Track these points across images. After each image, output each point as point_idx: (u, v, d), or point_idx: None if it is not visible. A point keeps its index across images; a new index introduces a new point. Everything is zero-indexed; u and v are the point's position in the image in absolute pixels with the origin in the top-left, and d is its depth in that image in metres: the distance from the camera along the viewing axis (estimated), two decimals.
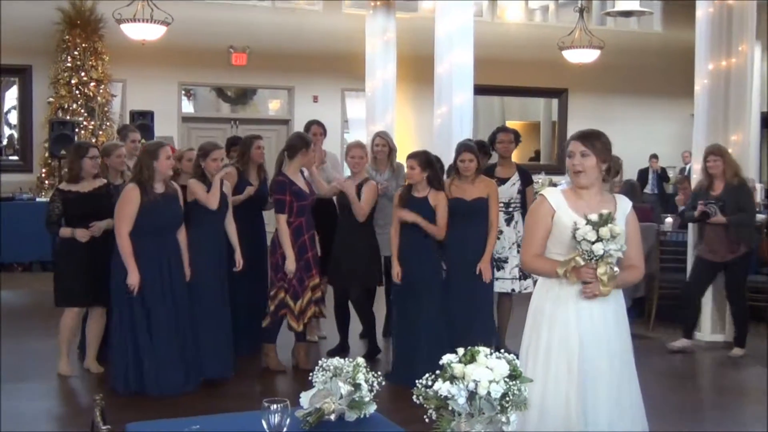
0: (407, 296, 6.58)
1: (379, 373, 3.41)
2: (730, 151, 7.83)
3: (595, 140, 3.80)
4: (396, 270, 6.59)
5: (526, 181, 7.45)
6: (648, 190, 15.98)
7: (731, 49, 8.17)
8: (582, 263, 3.65)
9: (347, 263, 7.14)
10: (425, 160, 6.56)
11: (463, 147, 6.66)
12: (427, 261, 6.57)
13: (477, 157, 6.56)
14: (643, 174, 16.22)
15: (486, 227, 6.56)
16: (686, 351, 7.82)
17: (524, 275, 7.16)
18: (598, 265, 3.64)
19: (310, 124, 8.06)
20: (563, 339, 3.74)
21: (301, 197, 6.75)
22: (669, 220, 9.77)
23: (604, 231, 3.59)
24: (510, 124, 15.57)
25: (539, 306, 3.88)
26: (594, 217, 3.62)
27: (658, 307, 8.70)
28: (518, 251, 7.15)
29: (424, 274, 6.53)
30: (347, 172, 7.70)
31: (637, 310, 8.73)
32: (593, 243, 3.60)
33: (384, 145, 7.81)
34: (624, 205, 3.87)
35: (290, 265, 6.64)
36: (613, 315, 3.80)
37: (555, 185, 15.35)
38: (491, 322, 6.75)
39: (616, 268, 3.67)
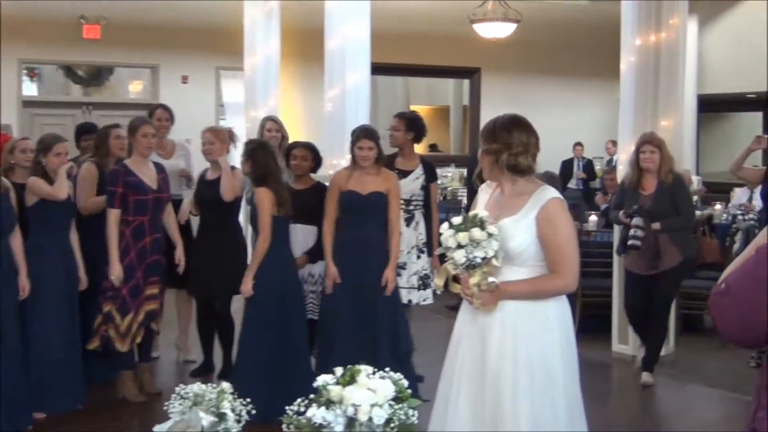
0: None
1: (249, 400, 3.37)
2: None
3: (483, 129, 4.01)
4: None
5: (431, 175, 7.47)
6: (572, 185, 16.20)
7: (661, 22, 8.34)
8: (452, 271, 3.72)
9: (210, 269, 7.11)
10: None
11: (361, 133, 6.63)
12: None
13: (378, 145, 6.55)
14: (567, 166, 16.41)
15: (385, 228, 6.54)
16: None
17: (424, 284, 7.19)
18: (471, 274, 3.69)
19: (154, 109, 8.09)
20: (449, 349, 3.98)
21: (139, 191, 6.63)
22: (593, 218, 9.92)
23: (462, 236, 3.64)
24: (416, 108, 15.62)
25: None
26: (457, 219, 3.69)
27: (580, 317, 8.56)
28: (418, 257, 7.19)
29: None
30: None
31: None
32: (455, 250, 3.66)
33: (277, 130, 7.84)
34: (539, 198, 3.84)
35: (114, 270, 6.51)
36: (499, 332, 3.82)
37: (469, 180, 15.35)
38: (405, 336, 6.66)
39: (492, 279, 3.71)
